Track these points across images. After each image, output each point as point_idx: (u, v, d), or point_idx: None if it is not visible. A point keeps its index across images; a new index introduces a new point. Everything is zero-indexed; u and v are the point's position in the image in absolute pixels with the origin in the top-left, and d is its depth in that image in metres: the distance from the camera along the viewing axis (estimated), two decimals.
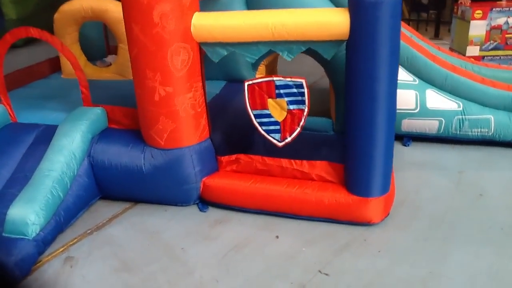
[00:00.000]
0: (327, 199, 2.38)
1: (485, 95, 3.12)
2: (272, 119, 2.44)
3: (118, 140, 2.60)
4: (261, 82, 2.40)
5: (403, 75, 3.17)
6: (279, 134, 2.44)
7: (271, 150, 2.49)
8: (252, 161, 2.54)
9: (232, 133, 2.73)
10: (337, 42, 2.21)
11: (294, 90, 2.36)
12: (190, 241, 2.36)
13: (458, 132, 3.18)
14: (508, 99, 3.14)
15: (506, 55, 4.20)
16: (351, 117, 2.28)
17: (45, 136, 2.65)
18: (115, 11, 3.61)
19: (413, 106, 3.16)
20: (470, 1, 4.50)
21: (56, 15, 3.75)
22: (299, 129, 2.41)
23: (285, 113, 2.41)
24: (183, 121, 2.43)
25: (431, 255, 2.19)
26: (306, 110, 2.37)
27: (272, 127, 2.45)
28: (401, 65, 3.22)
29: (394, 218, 2.47)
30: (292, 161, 2.49)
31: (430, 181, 2.86)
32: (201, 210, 2.61)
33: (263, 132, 2.46)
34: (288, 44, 2.27)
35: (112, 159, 2.54)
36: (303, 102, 2.36)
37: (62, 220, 2.37)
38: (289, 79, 2.35)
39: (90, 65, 3.96)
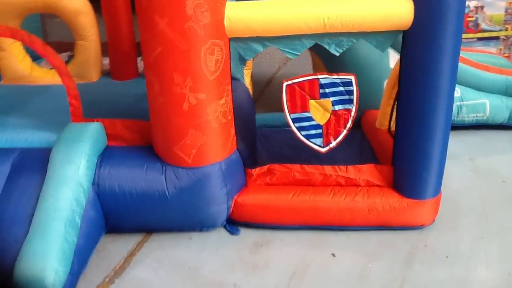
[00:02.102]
0: (380, 205, 2.17)
1: (481, 80, 3.13)
2: (313, 123, 2.15)
3: (127, 161, 2.12)
4: (303, 81, 2.10)
5: None
6: (322, 139, 2.17)
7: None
8: (290, 170, 2.23)
9: (253, 140, 2.39)
10: (394, 33, 1.98)
11: (341, 88, 2.09)
12: (239, 273, 2.01)
13: (455, 119, 3.15)
14: (501, 83, 3.18)
15: (467, 39, 4.30)
16: (407, 115, 2.08)
17: (26, 163, 2.09)
18: (72, 1, 3.02)
19: None
20: None
21: None
22: (345, 131, 2.15)
23: (328, 115, 2.14)
24: (215, 133, 2.04)
25: (499, 254, 2.09)
26: (354, 110, 2.12)
27: (313, 132, 2.16)
28: None
29: (439, 217, 2.34)
30: (336, 167, 2.23)
31: (449, 172, 2.77)
32: (232, 233, 2.25)
33: (302, 138, 2.17)
34: (338, 37, 1.99)
35: (125, 185, 2.06)
36: (350, 101, 2.11)
37: (76, 268, 1.87)
38: (335, 76, 2.08)
39: (38, 67, 3.31)
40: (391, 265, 2.04)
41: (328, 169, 2.23)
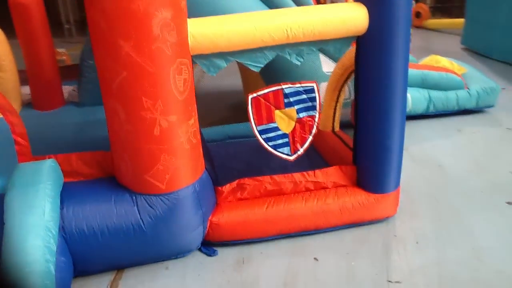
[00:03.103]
0: (350, 204, 2.25)
1: None
2: (279, 132, 2.17)
3: (92, 197, 1.95)
4: (267, 92, 2.11)
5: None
6: (289, 147, 2.20)
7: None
8: (260, 183, 2.22)
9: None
10: (351, 39, 2.07)
11: (304, 96, 2.14)
12: None
13: None
14: (417, 77, 3.49)
15: None
16: (366, 115, 2.18)
17: None
18: None
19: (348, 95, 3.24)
20: None
21: None
22: (311, 137, 2.20)
23: (294, 123, 2.17)
24: (187, 155, 1.96)
25: (458, 232, 2.29)
26: (317, 116, 2.18)
27: (280, 141, 2.18)
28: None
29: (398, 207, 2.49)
30: (305, 173, 2.26)
31: None
32: (210, 254, 2.18)
33: (270, 149, 2.18)
34: (298, 46, 2.03)
35: (94, 223, 1.89)
36: (314, 108, 2.16)
37: None
38: (298, 84, 2.12)
39: None
40: (372, 260, 2.12)
41: (297, 176, 2.26)
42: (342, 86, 2.72)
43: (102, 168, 2.08)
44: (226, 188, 2.21)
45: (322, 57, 3.26)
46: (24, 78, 2.95)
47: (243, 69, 3.63)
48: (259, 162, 2.60)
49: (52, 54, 2.98)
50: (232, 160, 2.82)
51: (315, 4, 3.05)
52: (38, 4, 2.85)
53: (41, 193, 1.77)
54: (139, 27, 1.69)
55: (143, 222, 1.94)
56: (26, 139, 1.95)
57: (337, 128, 2.88)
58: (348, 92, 3.28)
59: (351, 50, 2.24)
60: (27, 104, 3.00)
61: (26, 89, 3.02)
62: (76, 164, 2.04)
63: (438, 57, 4.16)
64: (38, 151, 2.10)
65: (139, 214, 1.94)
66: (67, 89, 3.21)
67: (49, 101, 2.96)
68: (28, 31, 2.85)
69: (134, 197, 1.96)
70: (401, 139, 2.25)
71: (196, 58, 1.93)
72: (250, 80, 3.62)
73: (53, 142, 2.28)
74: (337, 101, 2.82)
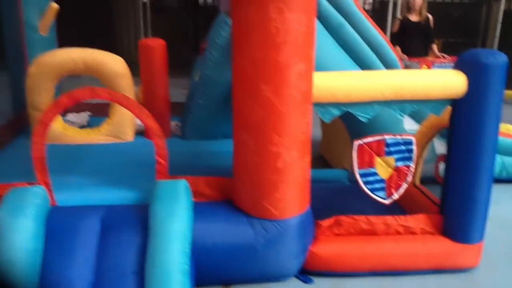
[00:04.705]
0: (436, 250, 2.44)
1: None
2: (377, 177, 2.42)
3: (215, 216, 2.25)
4: (372, 141, 2.38)
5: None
6: (385, 192, 2.44)
7: None
8: (356, 221, 2.46)
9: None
10: (449, 100, 2.34)
11: (403, 147, 2.40)
12: None
13: None
14: None
15: None
16: (458, 170, 2.40)
17: (117, 220, 2.15)
18: (112, 64, 3.17)
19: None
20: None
21: (32, 69, 3.10)
22: (405, 185, 2.44)
23: (391, 171, 2.42)
24: (300, 188, 2.24)
25: None
26: (412, 166, 2.42)
27: (377, 185, 2.43)
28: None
29: None
30: (396, 217, 2.49)
31: None
32: (306, 282, 2.40)
33: (368, 191, 2.43)
34: (403, 103, 2.31)
35: (217, 239, 2.18)
36: (410, 159, 2.41)
37: None
38: (399, 137, 2.39)
39: (69, 127, 3.35)
40: None
41: (389, 219, 2.48)
42: (426, 143, 2.96)
43: (222, 192, 2.38)
44: (325, 222, 2.45)
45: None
46: None
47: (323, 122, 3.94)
48: (340, 204, 2.83)
49: (167, 91, 3.40)
50: (314, 199, 3.07)
51: (401, 65, 3.34)
52: (162, 47, 3.31)
53: (181, 205, 2.09)
54: (280, 75, 2.03)
55: (257, 242, 2.21)
56: (166, 160, 2.29)
57: (417, 182, 3.09)
58: (431, 149, 3.49)
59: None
60: (139, 133, 3.40)
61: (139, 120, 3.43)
62: (201, 186, 2.35)
63: (509, 126, 4.34)
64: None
65: (254, 235, 2.21)
66: (171, 124, 3.61)
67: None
68: (151, 69, 3.29)
69: (250, 220, 2.24)
70: (489, 194, 2.45)
71: (315, 106, 2.25)
72: (330, 133, 3.92)
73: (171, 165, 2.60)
74: (419, 157, 3.06)
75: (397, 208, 2.92)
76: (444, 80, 2.28)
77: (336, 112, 2.30)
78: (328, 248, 2.39)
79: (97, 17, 9.36)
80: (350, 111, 2.31)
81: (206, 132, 3.34)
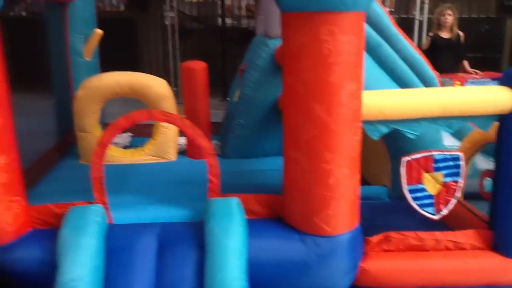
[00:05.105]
0: (488, 266, 2.43)
1: None
2: (426, 193, 2.44)
3: (267, 232, 2.30)
4: (420, 157, 2.41)
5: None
6: (433, 207, 2.45)
7: None
8: (405, 237, 2.47)
9: None
10: (496, 116, 2.36)
11: (451, 163, 2.42)
12: None
13: None
14: None
15: None
16: (507, 183, 2.41)
17: (173, 237, 2.22)
18: (157, 86, 3.27)
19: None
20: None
21: (80, 92, 3.22)
22: (454, 200, 2.45)
23: (439, 186, 2.44)
24: (351, 204, 2.28)
25: None
26: (461, 182, 2.44)
27: (426, 201, 2.45)
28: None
29: None
30: (445, 232, 2.49)
31: None
32: None
33: (416, 207, 2.45)
34: (450, 120, 2.34)
35: (270, 255, 2.23)
36: (458, 174, 2.43)
37: None
38: (447, 153, 2.41)
39: (114, 147, 3.44)
40: None
41: (439, 234, 2.49)
42: (469, 159, 2.97)
43: (271, 209, 2.43)
44: (374, 239, 2.48)
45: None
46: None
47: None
48: (382, 221, 2.85)
49: (208, 111, 3.49)
50: None
51: (440, 85, 3.38)
52: (204, 69, 3.41)
53: (237, 222, 2.15)
54: (331, 94, 2.09)
55: (309, 258, 2.24)
56: (218, 179, 2.36)
57: (461, 198, 3.09)
58: (472, 165, 3.49)
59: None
60: (181, 152, 3.49)
61: (181, 140, 3.52)
62: (252, 204, 2.40)
63: None
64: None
65: (307, 251, 2.25)
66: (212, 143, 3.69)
67: (200, 151, 3.42)
68: (193, 90, 3.39)
69: (302, 236, 2.28)
70: None
71: (364, 123, 2.30)
72: (368, 150, 3.95)
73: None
74: None
75: (439, 224, 2.93)
76: (491, 96, 2.31)
77: (384, 130, 2.34)
78: (378, 264, 2.40)
79: (122, 41, 9.58)
80: (398, 128, 2.35)
81: (247, 151, 3.40)
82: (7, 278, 2.17)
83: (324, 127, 2.13)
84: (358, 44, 2.10)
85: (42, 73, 3.83)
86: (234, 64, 9.81)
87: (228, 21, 10.20)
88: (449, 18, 5.23)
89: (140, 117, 2.22)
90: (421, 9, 7.62)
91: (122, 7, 10.51)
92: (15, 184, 2.21)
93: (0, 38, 2.06)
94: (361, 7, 2.03)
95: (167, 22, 9.49)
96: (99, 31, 3.71)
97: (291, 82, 2.18)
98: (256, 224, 2.33)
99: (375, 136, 2.34)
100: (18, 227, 2.25)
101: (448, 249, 2.50)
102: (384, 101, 2.27)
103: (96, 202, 2.30)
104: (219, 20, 9.92)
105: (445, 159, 2.41)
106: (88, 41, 3.70)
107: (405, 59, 3.18)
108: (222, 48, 9.35)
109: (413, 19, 7.70)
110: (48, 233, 2.28)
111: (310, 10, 1.99)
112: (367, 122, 2.30)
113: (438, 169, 2.42)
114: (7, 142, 2.14)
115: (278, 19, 3.12)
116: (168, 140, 3.39)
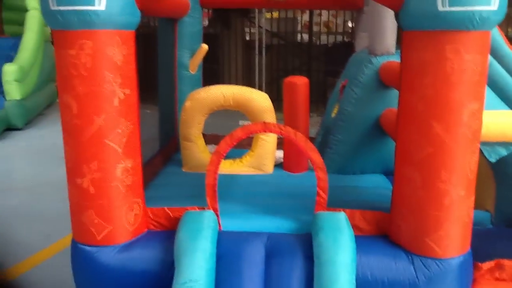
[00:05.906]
0: None
1: None
2: None
3: (375, 250, 2.28)
4: None
5: None
6: None
7: None
8: None
9: None
10: None
11: None
12: None
13: None
14: None
15: None
16: None
17: (280, 247, 2.26)
18: (259, 100, 3.37)
19: None
20: None
21: (187, 103, 3.40)
22: None
23: None
24: (465, 227, 2.21)
25: None
26: None
27: None
28: None
29: None
30: None
31: None
32: None
33: None
34: None
35: (376, 273, 2.21)
36: None
37: None
38: None
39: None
40: None
41: None
42: None
43: (377, 226, 2.41)
44: (485, 265, 2.37)
45: None
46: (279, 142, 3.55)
47: None
48: (486, 248, 2.71)
49: (307, 127, 3.54)
50: None
51: None
52: (306, 85, 3.47)
53: (346, 236, 2.16)
54: (452, 113, 2.05)
55: (418, 280, 2.19)
56: (326, 193, 2.38)
57: None
58: None
59: None
60: (277, 165, 3.56)
61: (278, 153, 3.59)
62: (358, 220, 2.40)
63: None
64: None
65: (415, 272, 2.20)
66: None
67: (298, 165, 3.47)
68: (294, 105, 3.45)
69: (410, 256, 2.23)
70: None
71: (482, 145, 2.23)
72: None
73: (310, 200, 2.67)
74: None
75: None
76: None
77: (503, 152, 2.26)
78: None
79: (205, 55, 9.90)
80: None
81: (344, 167, 3.40)
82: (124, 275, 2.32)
83: (442, 145, 2.09)
84: (483, 63, 2.05)
85: (148, 84, 4.08)
86: (317, 80, 9.86)
87: (305, 36, 10.29)
88: None
89: (256, 130, 2.31)
90: None
91: (206, 22, 10.84)
92: (138, 186, 2.38)
93: (134, 51, 2.24)
94: (489, 26, 1.98)
95: (248, 38, 9.73)
96: (205, 46, 3.91)
97: (409, 99, 2.17)
98: (363, 241, 2.32)
99: (493, 159, 2.27)
100: (137, 228, 2.40)
101: None
102: (506, 122, 2.19)
103: (208, 208, 2.41)
104: (299, 36, 10.02)
105: None
106: (194, 55, 3.90)
107: None
108: (307, 64, 9.42)
109: None
110: (162, 235, 2.43)
111: (436, 29, 1.98)
112: (485, 143, 2.23)
113: None
114: (134, 148, 2.31)
115: (384, 37, 3.14)
116: (267, 153, 3.47)
